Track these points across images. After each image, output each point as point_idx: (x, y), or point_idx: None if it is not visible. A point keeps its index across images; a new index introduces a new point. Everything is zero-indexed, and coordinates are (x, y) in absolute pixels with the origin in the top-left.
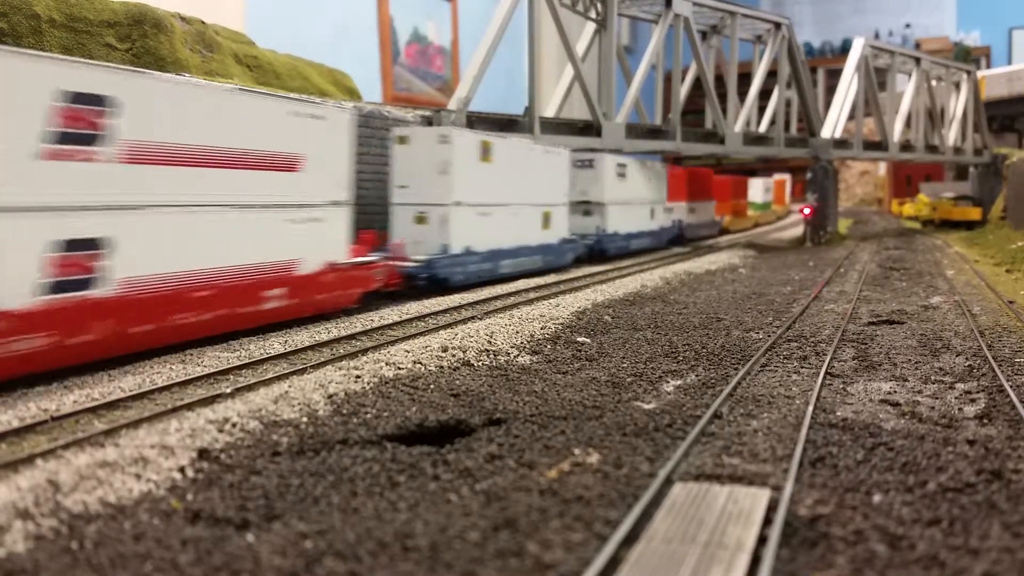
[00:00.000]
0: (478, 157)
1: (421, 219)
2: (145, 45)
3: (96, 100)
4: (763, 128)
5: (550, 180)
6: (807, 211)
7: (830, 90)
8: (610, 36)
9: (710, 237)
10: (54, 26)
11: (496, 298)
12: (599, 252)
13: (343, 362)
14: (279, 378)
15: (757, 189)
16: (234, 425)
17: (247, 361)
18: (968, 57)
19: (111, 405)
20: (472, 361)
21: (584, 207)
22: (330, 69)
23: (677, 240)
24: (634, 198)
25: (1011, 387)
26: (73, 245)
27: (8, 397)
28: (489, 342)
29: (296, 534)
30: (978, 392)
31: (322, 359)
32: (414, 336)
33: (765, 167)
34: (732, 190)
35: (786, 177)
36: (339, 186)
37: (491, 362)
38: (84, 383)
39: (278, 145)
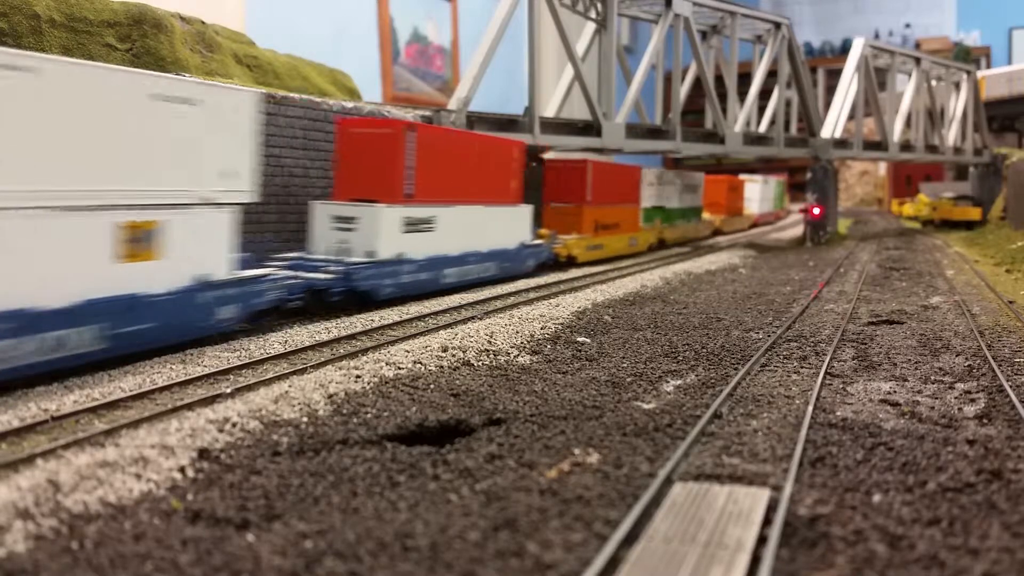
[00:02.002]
0: None
1: None
2: (145, 45)
3: None
4: (763, 128)
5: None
6: (816, 211)
7: (830, 90)
8: (610, 36)
9: (499, 281)
10: (54, 26)
11: (496, 298)
12: None
13: (343, 362)
14: (279, 378)
15: (670, 189)
16: (234, 425)
17: (247, 361)
18: (968, 57)
19: (111, 405)
20: (472, 361)
21: None
22: (330, 69)
23: (349, 297)
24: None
25: (1011, 387)
26: None
27: (8, 397)
28: (489, 342)
29: (296, 534)
30: (978, 392)
31: (322, 359)
32: (414, 336)
33: (765, 167)
34: (597, 186)
35: (755, 179)
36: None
37: (491, 362)
38: (84, 383)
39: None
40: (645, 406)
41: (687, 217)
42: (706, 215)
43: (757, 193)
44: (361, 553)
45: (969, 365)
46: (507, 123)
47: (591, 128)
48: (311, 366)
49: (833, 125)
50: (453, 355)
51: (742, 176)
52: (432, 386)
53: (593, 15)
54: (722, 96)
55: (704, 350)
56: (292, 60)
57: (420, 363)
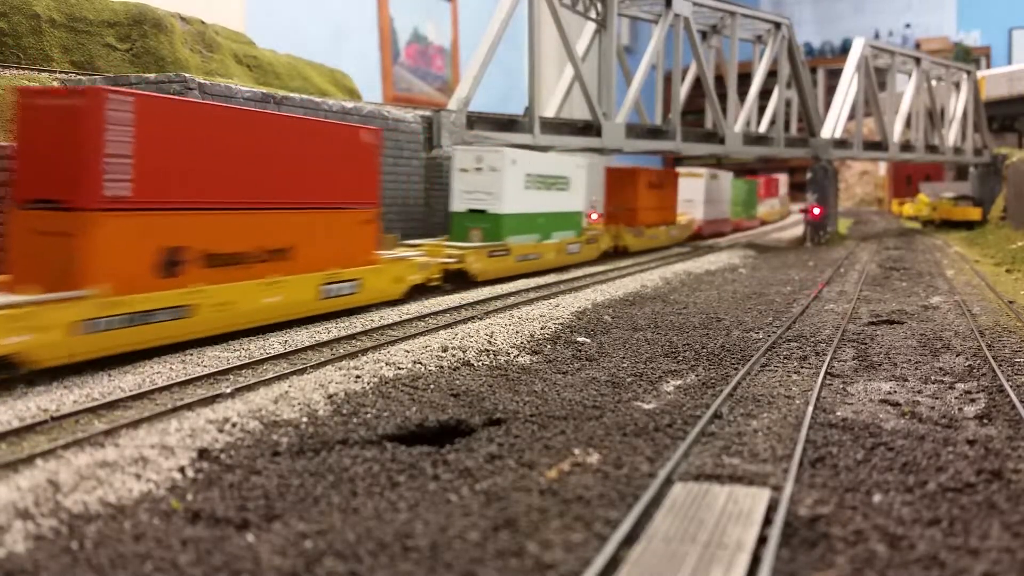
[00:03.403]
0: None
1: None
2: (145, 45)
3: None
4: (763, 128)
5: None
6: (816, 211)
7: (830, 90)
8: (610, 36)
9: None
10: (54, 26)
11: (496, 298)
12: None
13: (343, 362)
14: (279, 378)
15: (494, 179)
16: (234, 425)
17: (247, 361)
18: (968, 57)
19: (111, 405)
20: (472, 361)
21: None
22: (330, 69)
23: None
24: None
25: (1011, 387)
26: None
27: (8, 397)
28: (489, 342)
29: (296, 534)
30: (978, 392)
31: (322, 359)
32: (414, 336)
33: (765, 167)
34: (168, 155)
35: (698, 172)
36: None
37: (491, 362)
38: (84, 383)
39: None
40: (645, 406)
41: (543, 230)
42: (599, 226)
43: (701, 193)
44: (361, 553)
45: (969, 365)
46: (507, 123)
47: (591, 128)
48: (311, 366)
49: (833, 125)
50: (453, 355)
51: (680, 169)
52: (432, 386)
53: (593, 15)
54: (722, 96)
55: (704, 350)
56: (292, 60)
57: (420, 363)
